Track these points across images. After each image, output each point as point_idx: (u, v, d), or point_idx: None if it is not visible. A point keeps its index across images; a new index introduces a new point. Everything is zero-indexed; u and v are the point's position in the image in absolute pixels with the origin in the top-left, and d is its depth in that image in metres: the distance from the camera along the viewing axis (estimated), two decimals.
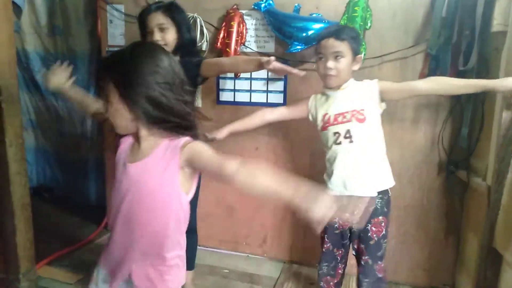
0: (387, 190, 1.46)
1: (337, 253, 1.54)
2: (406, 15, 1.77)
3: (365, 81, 1.46)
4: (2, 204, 1.64)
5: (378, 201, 1.44)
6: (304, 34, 1.79)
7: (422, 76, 1.73)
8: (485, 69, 1.54)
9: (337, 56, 1.39)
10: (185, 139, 0.93)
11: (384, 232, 1.46)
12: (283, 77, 1.97)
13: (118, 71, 0.89)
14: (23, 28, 2.51)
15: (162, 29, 1.55)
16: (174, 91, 0.90)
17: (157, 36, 1.55)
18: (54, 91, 1.37)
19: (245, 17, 1.94)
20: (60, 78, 1.33)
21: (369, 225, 1.44)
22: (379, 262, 1.47)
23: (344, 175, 1.43)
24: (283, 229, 2.14)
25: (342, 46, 1.38)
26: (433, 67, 1.66)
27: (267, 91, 2.00)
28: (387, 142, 1.48)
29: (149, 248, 0.96)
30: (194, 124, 0.95)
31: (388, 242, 1.90)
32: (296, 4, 1.86)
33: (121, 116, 0.90)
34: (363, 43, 1.70)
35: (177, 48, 1.58)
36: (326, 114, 1.46)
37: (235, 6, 1.93)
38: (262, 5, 1.88)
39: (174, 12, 1.57)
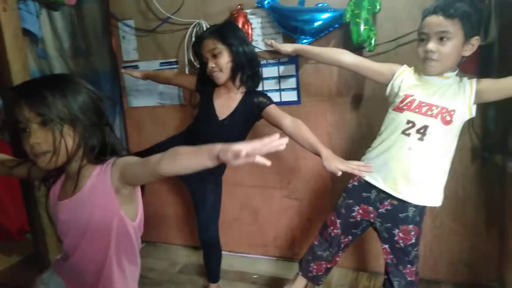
0: None
1: (343, 240, 1.45)
2: None
3: (465, 78, 1.27)
4: (33, 225, 1.73)
5: (411, 209, 1.30)
6: (311, 27, 1.71)
7: None
8: (509, 41, 1.37)
9: (442, 37, 1.16)
10: (113, 158, 0.93)
11: (413, 241, 1.33)
12: (295, 74, 1.90)
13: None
14: (49, 54, 2.62)
15: (214, 55, 1.49)
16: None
17: (211, 63, 1.50)
18: None
19: (249, 16, 1.89)
20: None
21: (396, 230, 1.32)
22: (409, 266, 1.36)
23: (391, 169, 1.28)
24: (311, 230, 2.07)
25: (450, 25, 1.15)
26: None
27: (280, 90, 1.94)
28: None
29: (97, 277, 0.98)
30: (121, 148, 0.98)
31: (424, 236, 1.78)
32: None
33: (66, 149, 0.89)
34: (373, 28, 1.59)
35: (233, 72, 1.51)
36: (410, 96, 1.27)
37: (238, 7, 1.89)
38: (265, 2, 1.82)
39: (225, 34, 1.50)
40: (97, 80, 2.47)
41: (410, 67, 1.36)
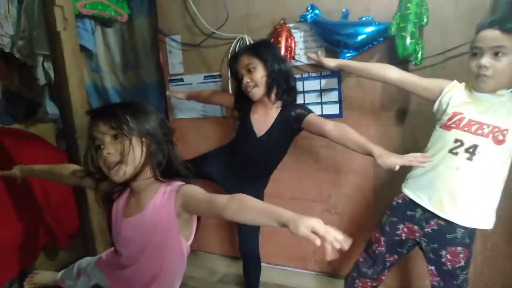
0: None
1: (388, 258, 1.40)
2: (471, 1, 1.56)
3: None
4: (84, 229, 1.84)
5: (460, 230, 1.24)
6: (354, 40, 1.70)
7: None
8: None
9: (497, 52, 1.11)
10: (178, 183, 0.99)
11: (462, 263, 1.26)
12: (337, 87, 1.88)
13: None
14: (101, 68, 2.79)
15: (249, 70, 1.52)
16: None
17: (246, 78, 1.53)
18: None
19: (292, 30, 1.91)
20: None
21: (444, 251, 1.27)
22: None
23: (437, 189, 1.24)
24: (351, 246, 2.02)
25: (507, 40, 1.09)
26: None
27: (321, 103, 1.94)
28: None
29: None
30: (184, 170, 1.03)
31: (474, 258, 1.69)
32: (343, 10, 1.78)
33: (135, 160, 0.96)
34: (419, 41, 1.55)
35: (268, 87, 1.53)
36: (460, 113, 1.22)
37: (281, 21, 1.91)
38: (308, 16, 1.84)
39: (259, 50, 1.54)
40: (145, 92, 2.58)
41: (460, 82, 1.31)
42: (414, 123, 1.74)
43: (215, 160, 1.78)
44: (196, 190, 0.97)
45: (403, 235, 1.36)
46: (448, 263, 1.27)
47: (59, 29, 1.63)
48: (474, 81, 1.21)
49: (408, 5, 1.55)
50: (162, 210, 0.98)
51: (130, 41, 2.74)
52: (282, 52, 1.86)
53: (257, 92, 1.55)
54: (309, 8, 1.84)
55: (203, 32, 2.16)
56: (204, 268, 2.25)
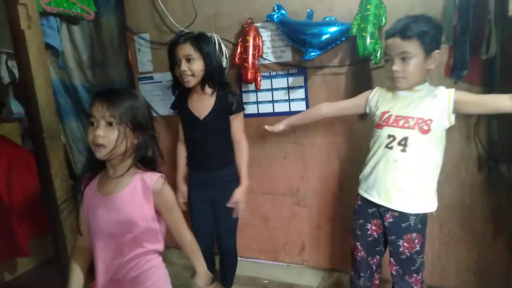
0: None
1: (372, 261, 1.49)
2: (425, 5, 1.66)
3: (441, 88, 1.33)
4: (54, 229, 1.82)
5: (412, 217, 1.34)
6: (318, 40, 1.77)
7: (448, 68, 1.62)
8: (510, 54, 1.41)
9: (404, 57, 1.26)
10: (154, 179, 1.08)
11: (418, 248, 1.36)
12: (303, 85, 1.95)
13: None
14: (69, 65, 2.73)
15: (188, 60, 1.61)
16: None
17: (184, 67, 1.61)
18: None
19: (260, 29, 1.96)
20: None
21: (401, 241, 1.36)
22: (415, 275, 1.39)
23: (382, 183, 1.35)
24: (320, 237, 2.11)
25: (410, 46, 1.24)
26: (458, 58, 1.55)
27: (289, 100, 2.00)
28: None
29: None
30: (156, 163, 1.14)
31: (432, 244, 1.81)
32: (308, 10, 1.85)
33: (121, 148, 1.05)
34: (379, 41, 1.63)
35: (204, 78, 1.64)
36: (387, 112, 1.36)
37: (249, 21, 1.96)
38: (275, 16, 1.89)
39: (201, 43, 1.62)
40: None
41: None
42: None
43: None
44: (170, 199, 1.13)
45: (374, 233, 1.44)
46: (406, 251, 1.36)
47: (23, 27, 1.60)
48: (392, 83, 1.35)
49: (368, 6, 1.63)
50: (137, 194, 1.08)
51: (98, 39, 2.70)
52: (250, 51, 1.91)
53: (192, 80, 1.63)
54: (275, 8, 1.90)
55: (172, 31, 2.18)
56: (177, 265, 2.28)
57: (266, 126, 1.66)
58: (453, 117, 1.30)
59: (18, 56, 1.71)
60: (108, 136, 1.03)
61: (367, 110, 1.47)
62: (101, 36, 2.67)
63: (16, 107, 2.48)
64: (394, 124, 1.32)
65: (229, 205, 1.70)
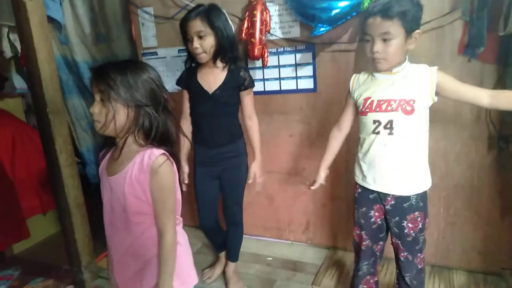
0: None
1: (376, 248, 1.49)
2: None
3: (422, 66, 1.29)
4: (60, 205, 1.82)
5: (413, 197, 1.34)
6: (328, 15, 1.71)
7: (462, 46, 1.57)
8: None
9: (385, 38, 1.22)
10: (152, 158, 1.01)
11: (420, 226, 1.36)
12: (311, 62, 1.91)
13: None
14: (71, 40, 2.67)
15: (200, 37, 1.57)
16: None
17: (196, 44, 1.57)
18: None
19: (267, 4, 1.90)
20: None
21: (405, 221, 1.35)
22: (419, 254, 1.39)
23: (376, 168, 1.35)
24: (325, 215, 2.11)
25: (391, 26, 1.20)
26: (473, 35, 1.49)
27: (296, 77, 1.96)
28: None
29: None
30: (172, 140, 1.08)
31: (437, 224, 1.81)
32: None
33: (116, 124, 1.01)
34: None
35: (216, 53, 1.61)
36: (369, 98, 1.33)
37: None
38: None
39: (212, 18, 1.57)
40: None
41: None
42: None
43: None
44: (163, 194, 1.04)
45: (378, 219, 1.43)
46: (412, 231, 1.36)
47: None
48: (372, 63, 1.31)
49: None
50: (138, 177, 1.03)
51: (100, 13, 2.64)
52: (258, 25, 1.86)
53: (205, 57, 1.61)
54: None
55: (176, 4, 2.11)
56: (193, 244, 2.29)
57: (312, 188, 1.60)
58: (436, 97, 1.28)
59: (19, 29, 1.66)
60: (101, 112, 1.01)
61: (352, 100, 1.44)
62: (104, 9, 2.61)
63: (18, 82, 2.45)
64: (378, 109, 1.31)
65: (249, 180, 1.74)
